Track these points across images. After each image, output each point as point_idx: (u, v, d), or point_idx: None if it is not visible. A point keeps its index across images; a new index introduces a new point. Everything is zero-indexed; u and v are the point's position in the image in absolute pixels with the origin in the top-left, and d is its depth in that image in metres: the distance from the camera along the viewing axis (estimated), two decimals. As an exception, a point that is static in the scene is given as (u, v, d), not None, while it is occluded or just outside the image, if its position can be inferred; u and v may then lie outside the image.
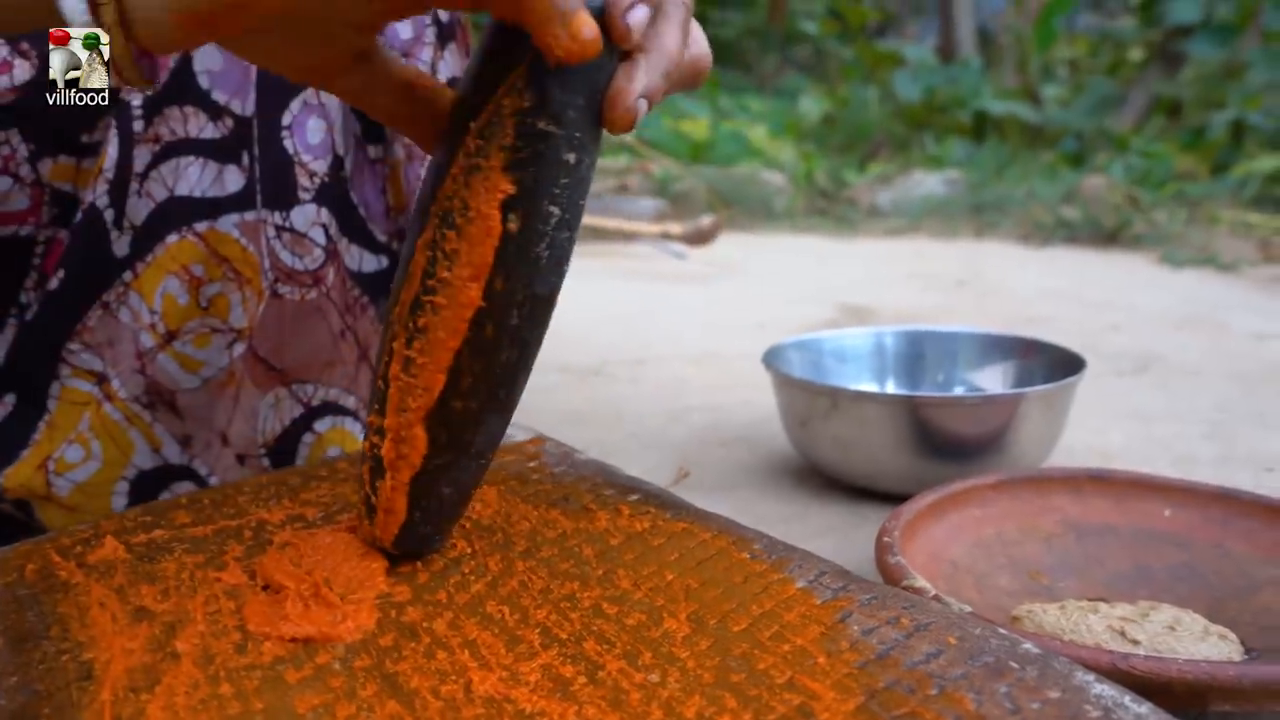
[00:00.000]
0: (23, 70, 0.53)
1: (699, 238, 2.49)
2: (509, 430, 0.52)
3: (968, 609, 0.38)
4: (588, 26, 0.35)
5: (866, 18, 6.21)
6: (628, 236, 2.45)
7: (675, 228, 2.55)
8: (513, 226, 0.39)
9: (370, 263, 0.66)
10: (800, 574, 0.41)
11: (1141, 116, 4.53)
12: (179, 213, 0.58)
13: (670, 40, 0.39)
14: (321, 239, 0.61)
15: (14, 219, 0.56)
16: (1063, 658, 0.35)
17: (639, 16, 0.38)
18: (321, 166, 0.61)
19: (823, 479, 0.84)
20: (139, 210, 0.57)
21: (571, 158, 0.39)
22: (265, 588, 0.42)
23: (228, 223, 0.59)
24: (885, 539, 0.55)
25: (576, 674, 0.36)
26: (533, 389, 0.47)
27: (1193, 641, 0.48)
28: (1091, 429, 0.97)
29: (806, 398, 0.78)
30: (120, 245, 0.57)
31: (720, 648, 0.37)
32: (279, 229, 0.60)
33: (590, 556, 0.44)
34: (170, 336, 0.58)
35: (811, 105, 4.68)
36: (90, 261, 0.56)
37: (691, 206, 3.05)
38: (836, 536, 0.71)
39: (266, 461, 0.63)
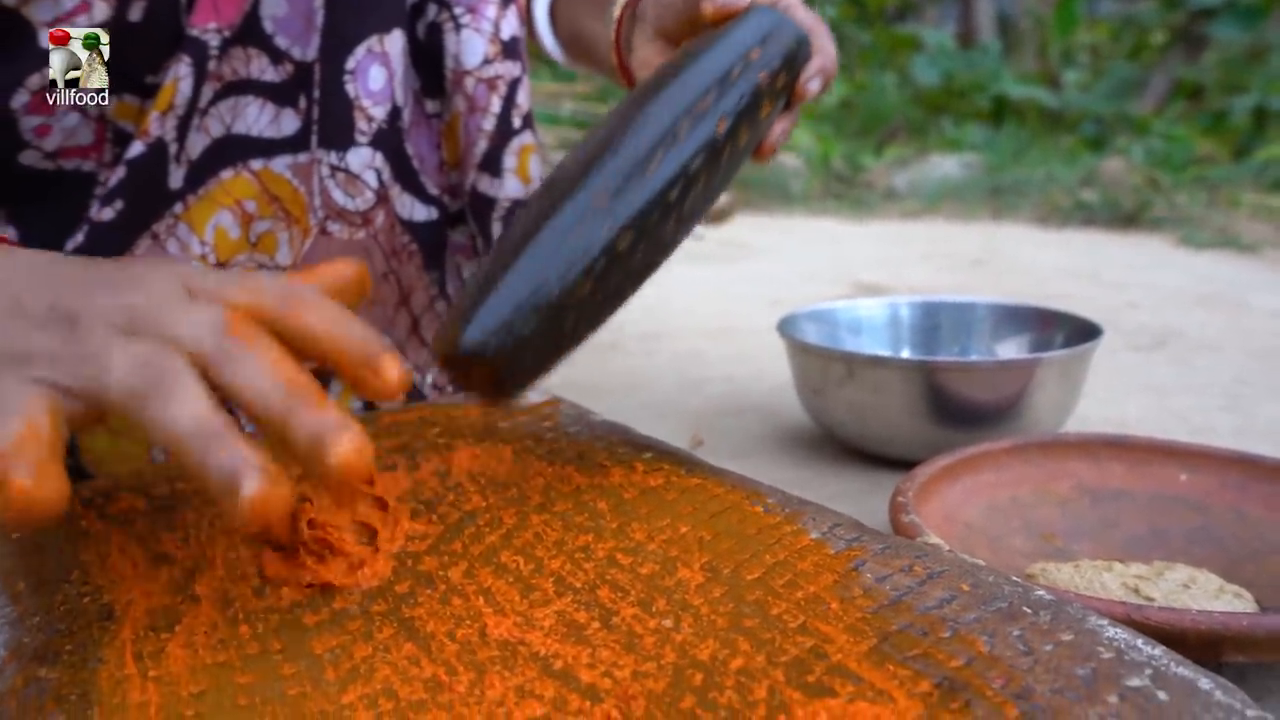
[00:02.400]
0: (101, 10, 0.53)
1: (715, 217, 2.49)
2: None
3: (981, 563, 0.38)
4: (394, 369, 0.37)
5: (885, 2, 6.17)
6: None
7: (691, 208, 2.54)
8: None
9: (420, 212, 0.67)
10: (814, 526, 0.41)
11: (1162, 100, 4.49)
12: (235, 149, 0.59)
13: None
14: (374, 182, 0.63)
15: (78, 153, 0.57)
16: (1076, 604, 0.34)
17: (816, 88, 0.55)
18: (380, 112, 0.63)
19: (837, 446, 0.84)
20: (195, 145, 0.58)
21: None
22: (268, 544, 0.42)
23: (281, 164, 0.60)
24: (900, 499, 0.55)
25: (590, 620, 0.36)
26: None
27: (1207, 599, 0.48)
28: (1107, 400, 0.96)
29: (821, 364, 0.78)
30: (175, 178, 0.58)
31: (734, 595, 0.37)
32: (334, 169, 0.62)
33: (604, 510, 0.44)
34: (219, 268, 0.59)
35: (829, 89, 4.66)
36: (145, 193, 0.57)
37: (708, 188, 3.03)
38: (851, 502, 0.71)
39: None
